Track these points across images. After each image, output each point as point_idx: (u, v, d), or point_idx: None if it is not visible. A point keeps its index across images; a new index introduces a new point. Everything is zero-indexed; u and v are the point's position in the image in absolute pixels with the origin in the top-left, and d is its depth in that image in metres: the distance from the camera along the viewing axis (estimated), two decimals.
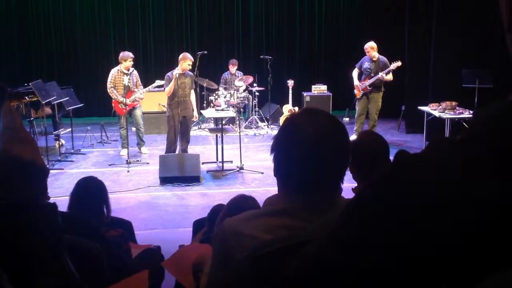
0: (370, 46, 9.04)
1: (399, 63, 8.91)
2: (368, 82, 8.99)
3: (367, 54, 9.11)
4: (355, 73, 9.32)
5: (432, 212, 0.63)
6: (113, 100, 8.73)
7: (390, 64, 8.94)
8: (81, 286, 1.31)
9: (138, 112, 8.90)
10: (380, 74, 8.84)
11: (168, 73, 7.98)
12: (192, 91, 8.18)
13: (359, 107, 9.30)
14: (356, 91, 9.29)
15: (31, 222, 1.12)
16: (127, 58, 8.64)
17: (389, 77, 8.97)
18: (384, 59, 9.10)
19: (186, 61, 7.87)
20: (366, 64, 9.13)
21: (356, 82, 9.23)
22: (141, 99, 8.91)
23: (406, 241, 0.65)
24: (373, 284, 0.68)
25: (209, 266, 1.67)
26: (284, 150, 1.48)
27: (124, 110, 8.67)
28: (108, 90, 8.69)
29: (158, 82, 8.59)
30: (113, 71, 8.73)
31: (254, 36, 13.25)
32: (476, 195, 0.62)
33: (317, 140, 1.41)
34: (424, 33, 10.39)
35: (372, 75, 8.98)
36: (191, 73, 8.17)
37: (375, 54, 9.05)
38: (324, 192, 1.44)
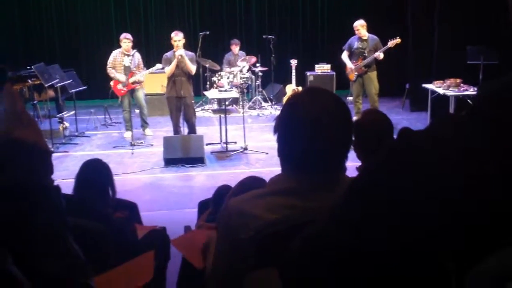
0: (360, 24, 8.57)
1: (398, 40, 8.44)
2: (363, 62, 8.56)
3: (356, 32, 8.64)
4: (345, 55, 8.85)
5: (436, 190, 0.63)
6: (112, 81, 8.74)
7: (385, 42, 8.53)
8: (87, 268, 1.32)
9: (140, 94, 8.89)
10: (377, 54, 8.39)
11: (167, 53, 7.89)
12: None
13: (355, 90, 8.85)
14: (349, 74, 8.83)
15: (35, 204, 1.12)
16: (121, 39, 8.72)
17: (382, 55, 8.48)
18: (374, 37, 8.67)
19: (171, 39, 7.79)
20: (357, 44, 8.66)
21: (349, 64, 8.76)
22: (141, 81, 8.84)
23: (409, 220, 0.64)
24: (375, 263, 0.68)
25: (215, 245, 1.68)
26: (287, 130, 1.47)
27: (122, 91, 8.69)
28: (107, 71, 8.76)
29: (159, 66, 8.48)
30: (114, 53, 8.82)
31: (256, 15, 13.14)
32: (480, 173, 0.61)
33: (319, 119, 1.40)
34: (427, 9, 10.27)
35: (366, 54, 8.56)
36: (191, 53, 8.02)
37: (365, 33, 8.61)
38: (328, 171, 1.44)
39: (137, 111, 9.27)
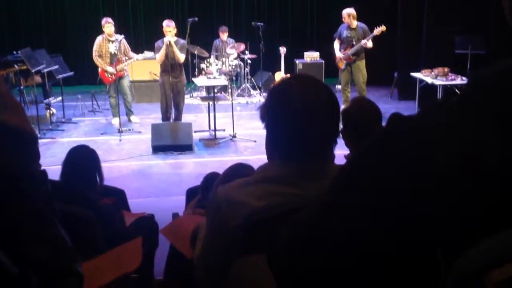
0: (347, 13, 8.55)
1: (383, 28, 8.35)
2: (351, 51, 8.54)
3: (344, 21, 8.65)
4: (336, 44, 8.85)
5: (426, 176, 0.63)
6: (100, 68, 8.66)
7: (373, 30, 8.47)
8: (74, 254, 1.32)
9: (124, 82, 8.82)
10: (363, 41, 8.34)
11: (158, 41, 7.88)
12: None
13: (343, 78, 8.88)
14: (338, 62, 8.86)
15: (21, 190, 1.11)
16: (104, 24, 8.60)
17: (370, 43, 8.45)
18: (363, 25, 8.64)
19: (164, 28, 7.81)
20: (346, 33, 8.66)
21: (338, 53, 8.79)
22: (137, 60, 8.78)
23: (398, 206, 0.64)
24: (363, 250, 0.68)
25: (204, 232, 1.68)
26: (274, 117, 1.47)
27: (110, 79, 8.63)
28: (94, 59, 8.65)
29: (147, 54, 8.44)
30: (98, 39, 8.66)
31: (245, 2, 13.05)
32: (473, 159, 0.61)
33: (306, 106, 1.40)
34: None
35: (354, 43, 8.53)
36: (183, 40, 8.04)
37: (354, 22, 8.58)
38: (316, 158, 1.44)
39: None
